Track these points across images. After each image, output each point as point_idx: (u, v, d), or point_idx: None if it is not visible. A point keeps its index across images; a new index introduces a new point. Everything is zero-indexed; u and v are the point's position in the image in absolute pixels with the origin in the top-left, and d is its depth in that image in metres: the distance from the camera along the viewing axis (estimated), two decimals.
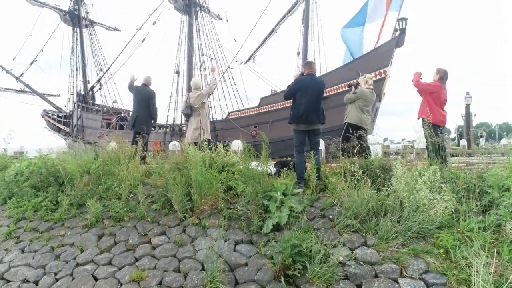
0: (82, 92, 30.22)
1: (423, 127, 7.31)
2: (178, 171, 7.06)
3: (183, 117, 24.80)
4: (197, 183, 6.45)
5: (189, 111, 9.17)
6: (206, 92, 9.53)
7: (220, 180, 6.74)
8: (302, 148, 6.94)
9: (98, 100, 31.16)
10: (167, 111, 25.80)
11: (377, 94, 17.81)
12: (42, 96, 31.47)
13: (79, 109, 29.11)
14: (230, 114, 22.92)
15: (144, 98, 9.86)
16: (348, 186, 5.85)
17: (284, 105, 20.12)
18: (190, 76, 26.30)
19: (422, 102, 7.81)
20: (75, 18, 30.62)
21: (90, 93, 29.62)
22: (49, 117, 33.27)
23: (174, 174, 6.80)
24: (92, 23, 31.40)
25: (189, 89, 26.42)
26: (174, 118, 25.85)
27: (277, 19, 24.69)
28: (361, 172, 5.89)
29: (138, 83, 10.37)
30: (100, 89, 29.99)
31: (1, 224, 7.23)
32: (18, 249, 6.41)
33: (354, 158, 7.02)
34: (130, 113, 10.24)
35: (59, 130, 32.20)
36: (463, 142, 27.41)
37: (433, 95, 7.63)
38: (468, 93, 31.46)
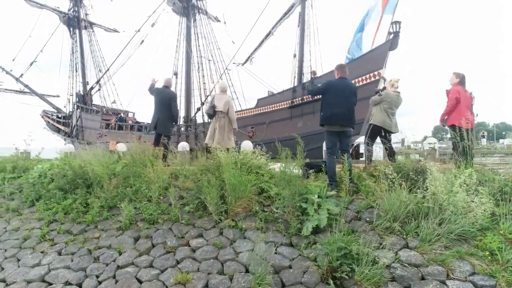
0: (82, 93, 29.78)
1: (453, 131, 7.31)
2: (210, 174, 6.91)
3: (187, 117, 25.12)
4: (231, 185, 6.34)
5: (212, 111, 8.97)
6: (232, 110, 9.27)
7: (252, 183, 6.60)
8: (334, 150, 6.88)
9: (97, 101, 30.79)
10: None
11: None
12: (42, 96, 30.95)
13: (78, 110, 28.71)
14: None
15: (166, 100, 9.67)
16: (385, 190, 5.79)
17: (281, 107, 20.18)
18: (188, 77, 26.13)
19: (450, 109, 7.80)
20: (74, 20, 30.15)
21: (89, 94, 29.19)
22: (48, 117, 32.78)
23: (207, 177, 6.66)
24: (91, 24, 30.96)
25: (188, 90, 26.61)
26: None
27: (274, 22, 24.67)
28: (396, 175, 5.85)
29: (159, 85, 10.19)
30: (99, 90, 29.62)
31: (33, 227, 7.01)
32: (54, 252, 6.21)
33: (383, 160, 7.01)
34: (152, 115, 9.97)
35: (58, 131, 31.74)
36: (483, 142, 27.58)
37: (461, 102, 7.66)
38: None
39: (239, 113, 22.23)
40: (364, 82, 17.42)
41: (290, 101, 19.64)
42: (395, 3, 15.82)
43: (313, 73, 22.33)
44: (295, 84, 22.37)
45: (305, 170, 7.33)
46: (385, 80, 8.53)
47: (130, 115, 29.48)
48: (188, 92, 26.05)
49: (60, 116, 32.09)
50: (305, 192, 6.03)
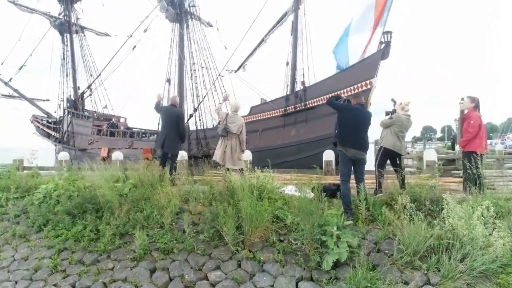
0: (73, 98, 29.26)
1: (471, 158, 7.30)
2: (225, 201, 6.79)
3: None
4: (248, 215, 6.20)
5: (226, 133, 8.78)
6: (244, 132, 9.10)
7: (268, 211, 6.46)
8: (348, 177, 6.83)
9: (88, 106, 30.24)
10: (159, 119, 25.25)
11: (363, 104, 18.23)
12: (31, 101, 30.36)
13: (69, 115, 28.22)
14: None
15: (173, 118, 9.50)
16: (403, 220, 5.75)
17: (273, 114, 20.13)
18: (181, 84, 25.84)
19: (473, 136, 7.79)
20: (65, 24, 29.58)
21: (80, 99, 28.68)
22: (38, 122, 32.19)
23: (222, 206, 6.54)
24: (82, 28, 30.34)
25: (181, 97, 26.21)
26: None
27: (267, 29, 24.58)
28: (412, 205, 5.83)
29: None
30: (90, 95, 29.08)
31: (43, 256, 6.77)
32: (68, 285, 6.02)
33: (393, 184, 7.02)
34: (158, 133, 9.88)
35: (48, 136, 31.16)
36: (499, 147, 27.22)
37: (482, 128, 7.74)
38: (463, 98, 31.83)
39: None
40: (356, 90, 17.53)
41: (283, 109, 19.59)
42: (386, 17, 16.05)
43: (302, 83, 22.46)
44: (288, 92, 22.31)
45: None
46: (395, 102, 8.47)
47: (122, 120, 29.05)
48: (181, 99, 25.74)
49: (50, 121, 31.54)
50: (324, 223, 5.94)
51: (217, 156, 8.93)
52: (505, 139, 48.68)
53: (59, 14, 29.72)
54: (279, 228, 6.49)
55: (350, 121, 6.78)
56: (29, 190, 9.05)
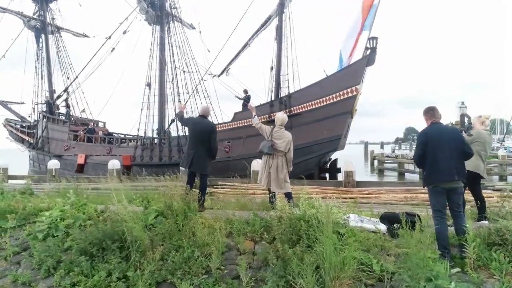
0: (50, 101, 27.72)
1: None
2: (289, 240, 5.08)
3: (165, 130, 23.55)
4: (332, 264, 4.49)
5: (272, 151, 7.17)
6: (292, 149, 7.36)
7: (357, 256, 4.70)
8: (444, 213, 5.30)
9: (63, 110, 28.68)
10: (138, 124, 24.01)
11: (349, 111, 17.48)
12: (3, 103, 28.69)
13: (44, 120, 26.67)
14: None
15: (205, 132, 7.63)
16: None
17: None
18: (162, 88, 24.53)
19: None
20: (39, 24, 27.95)
21: (57, 102, 27.18)
22: (11, 126, 30.48)
23: (299, 250, 4.78)
24: (58, 29, 28.64)
25: (162, 102, 25.08)
26: (145, 132, 23.99)
27: (251, 32, 23.51)
28: None
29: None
30: (67, 98, 27.53)
31: None
32: None
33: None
34: (185, 150, 8.15)
35: (22, 141, 29.48)
36: (502, 152, 26.23)
37: None
38: (463, 102, 31.24)
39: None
40: (341, 97, 16.75)
41: (267, 116, 18.60)
42: (372, 19, 15.38)
43: (245, 91, 21.49)
44: (272, 98, 21.33)
45: (389, 227, 5.62)
46: (468, 117, 7.13)
47: (100, 125, 27.62)
48: (161, 104, 24.52)
49: (24, 125, 29.88)
50: (432, 276, 4.26)
51: (261, 179, 7.38)
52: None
53: (34, 13, 28.05)
54: (367, 278, 4.65)
55: (433, 149, 5.36)
56: (28, 217, 7.08)
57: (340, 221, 5.23)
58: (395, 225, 5.45)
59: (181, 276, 4.95)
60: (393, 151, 47.32)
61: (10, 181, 14.56)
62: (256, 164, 12.90)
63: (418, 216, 5.52)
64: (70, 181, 11.98)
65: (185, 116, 9.69)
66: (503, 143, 46.98)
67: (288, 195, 6.89)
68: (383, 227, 5.50)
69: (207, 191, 7.94)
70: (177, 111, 8.48)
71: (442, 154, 5.20)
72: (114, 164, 14.44)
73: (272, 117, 18.49)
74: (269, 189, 7.14)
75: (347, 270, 4.42)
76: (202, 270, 5.11)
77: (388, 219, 5.78)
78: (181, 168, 13.01)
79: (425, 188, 5.57)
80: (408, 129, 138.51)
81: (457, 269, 4.70)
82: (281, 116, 7.36)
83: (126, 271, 5.16)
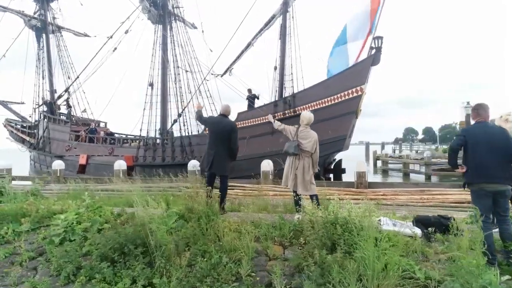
0: (50, 101, 27.41)
1: None
2: (324, 246, 4.78)
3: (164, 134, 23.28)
4: (375, 272, 4.17)
5: (298, 150, 6.79)
6: (318, 150, 6.98)
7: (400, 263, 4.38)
8: (489, 217, 5.04)
9: (63, 110, 28.38)
10: (140, 124, 23.68)
11: (354, 111, 17.33)
12: (3, 103, 28.35)
13: (45, 120, 26.35)
14: (206, 129, 21.36)
15: (226, 132, 7.37)
16: None
17: (262, 121, 18.91)
18: (164, 88, 24.27)
19: None
20: (40, 23, 27.64)
21: (58, 102, 26.89)
22: (12, 127, 30.14)
23: (339, 255, 4.47)
24: (59, 28, 28.30)
25: (164, 102, 24.81)
26: (147, 132, 23.69)
27: (254, 32, 23.29)
28: None
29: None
30: (68, 98, 27.23)
31: None
32: None
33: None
34: (205, 151, 7.77)
35: (23, 141, 29.14)
36: None
37: None
38: (468, 102, 31.13)
39: None
40: (346, 97, 16.61)
41: (271, 116, 18.39)
42: (376, 20, 15.44)
43: (249, 91, 21.29)
44: (276, 98, 21.12)
45: (424, 231, 5.33)
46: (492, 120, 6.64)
47: (102, 125, 27.32)
48: (164, 103, 24.26)
49: (25, 125, 29.55)
50: (486, 284, 3.86)
51: (287, 181, 7.01)
52: None
53: (35, 13, 27.72)
54: (411, 286, 4.28)
55: (478, 149, 5.16)
56: (41, 220, 6.72)
57: (376, 225, 4.97)
58: (429, 229, 5.21)
59: (210, 283, 4.65)
60: (394, 151, 47.10)
61: (13, 182, 14.24)
62: (267, 165, 12.69)
63: (454, 219, 5.28)
64: (77, 182, 11.71)
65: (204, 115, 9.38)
66: None
67: (314, 198, 6.62)
68: (419, 231, 5.25)
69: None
70: (196, 110, 8.09)
71: (485, 154, 4.96)
72: (121, 164, 14.13)
73: (277, 117, 18.42)
74: (294, 191, 6.85)
75: (391, 278, 4.13)
76: (232, 277, 4.82)
77: (422, 222, 5.52)
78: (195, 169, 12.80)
79: (465, 189, 5.35)
80: (407, 129, 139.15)
81: (507, 277, 4.45)
82: (307, 115, 6.97)
83: (151, 278, 4.86)
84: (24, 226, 6.42)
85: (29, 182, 15.09)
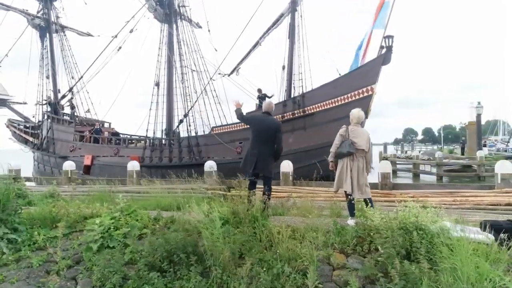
0: (54, 101, 26.94)
1: None
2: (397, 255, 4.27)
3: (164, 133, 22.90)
4: (468, 283, 3.72)
5: (353, 149, 6.28)
6: (371, 151, 6.66)
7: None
8: None
9: (66, 110, 27.91)
10: (146, 125, 23.19)
11: (365, 111, 16.98)
12: (6, 103, 27.82)
13: (48, 120, 25.86)
14: (214, 129, 20.95)
15: (271, 131, 6.89)
16: None
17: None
18: (170, 88, 23.85)
19: None
20: (44, 22, 27.15)
21: (62, 102, 26.43)
22: (14, 127, 29.62)
23: (426, 266, 3.97)
24: (62, 28, 27.79)
25: (170, 101, 24.38)
26: (154, 132, 23.22)
27: (262, 31, 22.93)
28: None
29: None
30: (72, 98, 26.75)
31: None
32: None
33: None
34: (247, 150, 7.29)
35: (26, 142, 28.63)
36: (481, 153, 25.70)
37: None
38: (479, 102, 30.91)
39: (226, 127, 20.49)
40: (356, 97, 16.25)
41: (280, 116, 18.02)
42: (386, 17, 14.90)
43: (259, 90, 20.94)
44: (285, 98, 20.75)
45: (498, 237, 4.84)
46: None
47: (106, 125, 26.86)
48: (170, 103, 23.82)
49: (28, 126, 29.04)
50: None
51: (341, 184, 6.43)
52: (494, 142, 48.33)
53: (38, 12, 27.23)
54: None
55: None
56: (73, 225, 6.22)
57: (448, 231, 4.59)
58: (501, 234, 4.84)
59: None
60: (397, 152, 46.95)
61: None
62: (287, 166, 12.24)
63: None
64: (96, 183, 11.28)
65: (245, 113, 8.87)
66: (507, 143, 47.03)
67: (369, 201, 6.18)
68: (490, 237, 4.87)
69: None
70: (235, 108, 7.57)
71: None
72: (134, 165, 13.61)
73: (286, 117, 18.08)
74: (346, 194, 6.37)
75: None
76: (294, 284, 4.41)
77: (494, 227, 5.15)
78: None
79: None
80: (406, 130, 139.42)
81: None
82: (356, 114, 6.45)
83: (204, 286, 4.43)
84: (55, 231, 5.92)
85: (33, 184, 14.68)
